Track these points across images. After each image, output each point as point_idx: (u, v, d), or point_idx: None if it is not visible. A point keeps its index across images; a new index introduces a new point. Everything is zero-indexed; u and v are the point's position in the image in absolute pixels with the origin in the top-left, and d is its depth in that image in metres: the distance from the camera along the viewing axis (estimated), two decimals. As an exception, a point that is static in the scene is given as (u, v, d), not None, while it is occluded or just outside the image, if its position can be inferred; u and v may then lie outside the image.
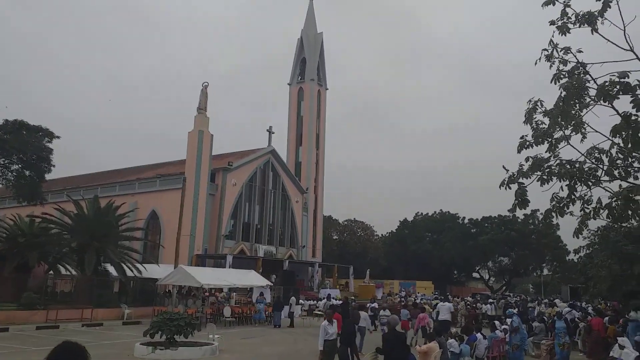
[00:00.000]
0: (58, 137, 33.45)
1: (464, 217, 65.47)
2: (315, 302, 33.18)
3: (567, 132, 6.70)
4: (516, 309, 25.45)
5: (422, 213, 69.79)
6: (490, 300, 24.75)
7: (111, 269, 27.37)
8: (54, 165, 33.15)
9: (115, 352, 15.58)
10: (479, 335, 13.20)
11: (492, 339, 13.62)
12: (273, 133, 51.71)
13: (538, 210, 60.83)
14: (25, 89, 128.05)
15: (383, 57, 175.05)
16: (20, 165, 33.23)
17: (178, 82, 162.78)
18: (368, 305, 22.92)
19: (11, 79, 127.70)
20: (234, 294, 33.07)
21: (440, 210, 68.68)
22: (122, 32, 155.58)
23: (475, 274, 70.06)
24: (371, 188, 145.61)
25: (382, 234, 73.16)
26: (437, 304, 22.94)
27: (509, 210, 7.60)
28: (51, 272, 27.90)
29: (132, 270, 26.81)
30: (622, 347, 11.00)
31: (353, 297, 30.22)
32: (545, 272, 63.92)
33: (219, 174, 45.78)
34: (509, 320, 15.66)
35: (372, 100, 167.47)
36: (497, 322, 14.82)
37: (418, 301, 28.00)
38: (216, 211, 44.73)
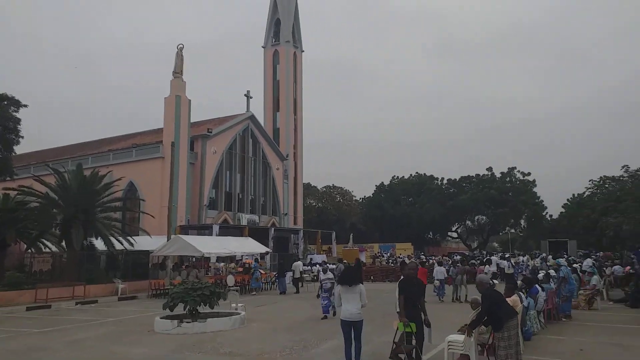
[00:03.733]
0: (25, 105, 30.25)
1: (442, 178, 65.68)
2: (309, 267, 32.31)
3: None
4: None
5: (398, 177, 69.62)
6: (507, 256, 24.40)
7: (97, 243, 25.48)
8: (22, 137, 30.20)
9: (130, 330, 14.09)
10: (538, 287, 12.46)
11: (547, 291, 12.94)
12: (251, 98, 49.37)
13: (515, 167, 61.89)
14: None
15: (352, 21, 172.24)
16: (-15, 137, 30.08)
17: (147, 55, 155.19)
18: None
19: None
20: (222, 263, 31.75)
21: (417, 172, 68.75)
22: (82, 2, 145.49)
23: (452, 234, 70.84)
24: (346, 154, 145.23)
25: (361, 198, 72.78)
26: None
27: None
28: (30, 249, 25.66)
29: (121, 243, 24.95)
30: None
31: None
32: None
33: (198, 142, 43.58)
34: (552, 272, 15.09)
35: (339, 64, 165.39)
36: (552, 272, 14.15)
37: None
38: (197, 181, 42.80)
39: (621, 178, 31.82)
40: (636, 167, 32.16)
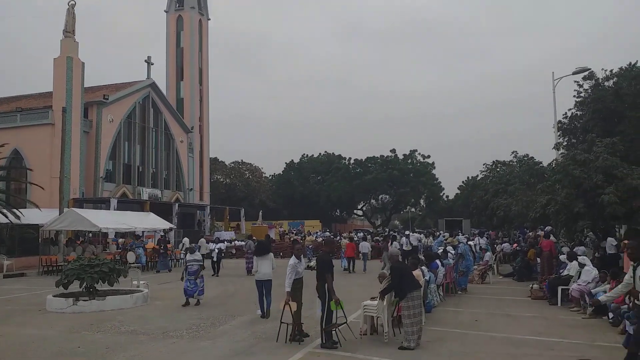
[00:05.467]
0: None
1: (349, 158, 67.08)
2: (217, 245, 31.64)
3: None
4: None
5: (307, 155, 70.00)
6: (407, 233, 25.60)
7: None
8: None
9: (18, 309, 12.91)
10: (438, 262, 13.15)
11: (446, 266, 13.71)
12: (152, 64, 46.64)
13: (416, 150, 64.92)
14: None
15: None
16: None
17: (33, 10, 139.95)
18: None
19: None
20: (122, 239, 30.13)
21: (325, 152, 69.49)
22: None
23: (358, 212, 73.01)
24: (255, 129, 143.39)
25: (271, 176, 72.36)
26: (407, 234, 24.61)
27: None
28: None
29: (6, 216, 22.58)
30: (582, 265, 11.58)
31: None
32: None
33: (93, 109, 40.45)
34: (449, 249, 15.99)
35: (247, 39, 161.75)
36: (450, 248, 14.98)
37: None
38: (92, 150, 39.88)
39: (511, 163, 34.87)
40: (523, 153, 35.40)
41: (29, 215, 24.55)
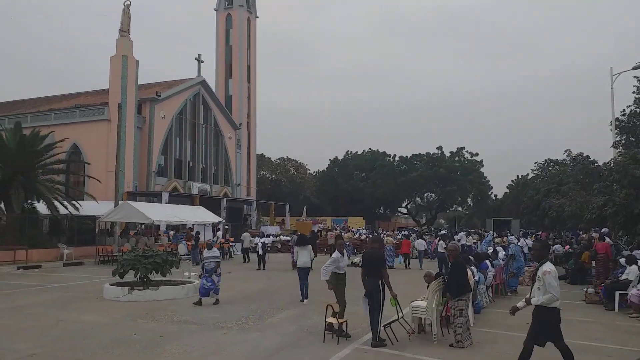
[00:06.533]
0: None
1: (394, 155, 66.51)
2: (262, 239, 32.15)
3: None
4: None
5: (351, 152, 69.96)
6: (441, 233, 25.20)
7: (40, 207, 24.23)
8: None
9: (77, 296, 13.59)
10: (487, 262, 12.88)
11: (495, 267, 13.41)
12: (202, 62, 47.80)
13: (464, 147, 63.60)
14: None
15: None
16: None
17: (93, 9, 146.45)
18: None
19: None
20: (172, 232, 31.06)
21: (370, 148, 69.25)
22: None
23: (402, 209, 72.41)
24: (301, 126, 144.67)
25: (315, 172, 72.85)
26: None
27: None
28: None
29: (66, 207, 23.83)
30: (642, 269, 11.06)
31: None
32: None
33: (146, 105, 41.90)
34: (498, 249, 15.62)
35: (288, 36, 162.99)
36: (500, 248, 14.65)
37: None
38: (145, 146, 41.31)
39: (564, 162, 33.59)
40: (577, 151, 34.00)
41: (87, 207, 25.85)
